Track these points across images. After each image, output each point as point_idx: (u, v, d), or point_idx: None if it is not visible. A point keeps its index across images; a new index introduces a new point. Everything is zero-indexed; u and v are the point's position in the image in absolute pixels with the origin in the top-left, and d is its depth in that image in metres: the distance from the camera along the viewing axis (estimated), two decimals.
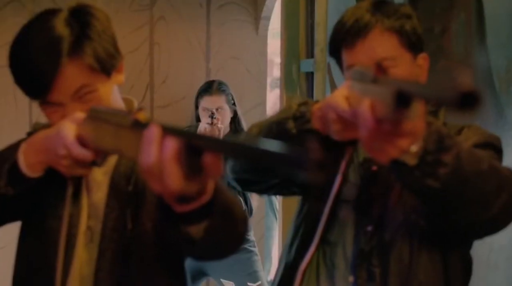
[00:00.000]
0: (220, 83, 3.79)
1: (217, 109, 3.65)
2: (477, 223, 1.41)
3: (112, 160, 1.55)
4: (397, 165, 1.27)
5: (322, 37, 3.25)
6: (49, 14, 1.49)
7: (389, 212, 1.59)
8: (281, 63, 3.68)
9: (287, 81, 3.59)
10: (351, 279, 1.60)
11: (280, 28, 3.72)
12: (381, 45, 1.58)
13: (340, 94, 1.35)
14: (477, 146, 1.53)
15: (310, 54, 3.61)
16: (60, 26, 1.45)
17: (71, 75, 1.44)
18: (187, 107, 4.00)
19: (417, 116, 1.16)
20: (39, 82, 1.44)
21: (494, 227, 1.44)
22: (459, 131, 1.60)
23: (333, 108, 1.37)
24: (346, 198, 1.64)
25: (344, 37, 1.62)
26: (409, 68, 1.60)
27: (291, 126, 1.51)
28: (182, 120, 3.90)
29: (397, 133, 1.21)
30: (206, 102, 3.71)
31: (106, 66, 1.48)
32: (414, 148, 1.25)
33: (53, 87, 1.44)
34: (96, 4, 1.58)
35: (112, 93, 1.53)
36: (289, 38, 3.61)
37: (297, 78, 3.57)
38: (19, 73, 1.48)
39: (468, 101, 0.91)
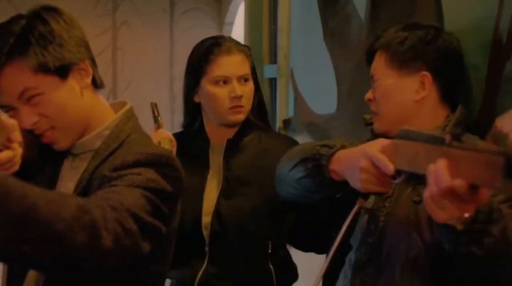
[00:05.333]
0: (237, 41, 2.28)
1: (241, 80, 2.17)
2: None
3: (82, 166, 1.55)
4: (445, 226, 1.32)
5: (285, 43, 3.27)
6: (12, 18, 1.51)
7: (391, 230, 1.64)
8: None
9: None
10: (348, 283, 1.70)
11: (243, 33, 3.73)
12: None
13: (376, 148, 1.48)
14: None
15: (273, 59, 3.63)
16: (10, 31, 1.48)
17: (12, 77, 1.47)
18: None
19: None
20: None
21: None
22: None
23: (372, 159, 1.47)
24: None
25: None
26: None
27: (309, 166, 1.66)
28: (147, 126, 3.88)
29: (469, 198, 1.22)
30: (223, 66, 2.15)
31: (54, 69, 1.49)
32: (467, 214, 1.28)
33: None
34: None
35: (73, 96, 1.53)
36: (252, 43, 3.61)
37: (260, 84, 3.58)
38: None
39: None
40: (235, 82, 2.13)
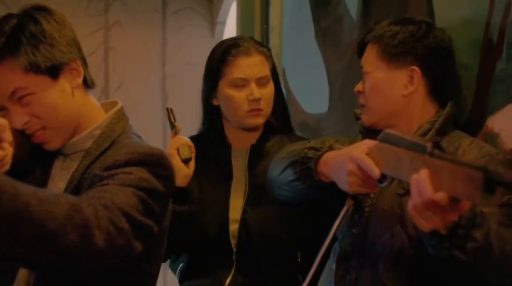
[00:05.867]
0: (257, 41, 2.21)
1: (260, 82, 2.08)
2: None
3: (73, 166, 1.55)
4: (429, 231, 1.33)
5: (277, 42, 3.26)
6: (3, 18, 1.51)
7: (375, 222, 1.66)
8: None
9: None
10: (332, 272, 1.74)
11: (235, 32, 3.72)
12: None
13: (362, 150, 1.49)
14: None
15: None
16: (1, 30, 1.48)
17: (3, 77, 1.47)
18: (144, 113, 3.98)
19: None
20: None
21: None
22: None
23: (358, 163, 1.48)
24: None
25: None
26: None
27: (297, 170, 1.68)
28: (139, 127, 3.87)
29: (452, 209, 1.24)
30: (241, 68, 2.07)
31: (45, 69, 1.48)
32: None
33: None
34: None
35: (64, 96, 1.53)
36: None
37: None
38: None
39: None
40: (253, 85, 2.04)
